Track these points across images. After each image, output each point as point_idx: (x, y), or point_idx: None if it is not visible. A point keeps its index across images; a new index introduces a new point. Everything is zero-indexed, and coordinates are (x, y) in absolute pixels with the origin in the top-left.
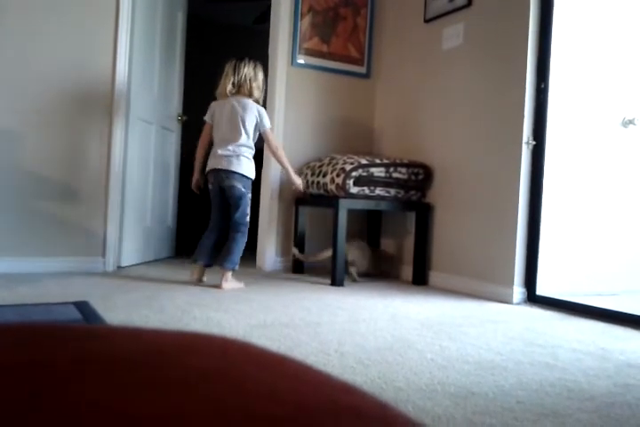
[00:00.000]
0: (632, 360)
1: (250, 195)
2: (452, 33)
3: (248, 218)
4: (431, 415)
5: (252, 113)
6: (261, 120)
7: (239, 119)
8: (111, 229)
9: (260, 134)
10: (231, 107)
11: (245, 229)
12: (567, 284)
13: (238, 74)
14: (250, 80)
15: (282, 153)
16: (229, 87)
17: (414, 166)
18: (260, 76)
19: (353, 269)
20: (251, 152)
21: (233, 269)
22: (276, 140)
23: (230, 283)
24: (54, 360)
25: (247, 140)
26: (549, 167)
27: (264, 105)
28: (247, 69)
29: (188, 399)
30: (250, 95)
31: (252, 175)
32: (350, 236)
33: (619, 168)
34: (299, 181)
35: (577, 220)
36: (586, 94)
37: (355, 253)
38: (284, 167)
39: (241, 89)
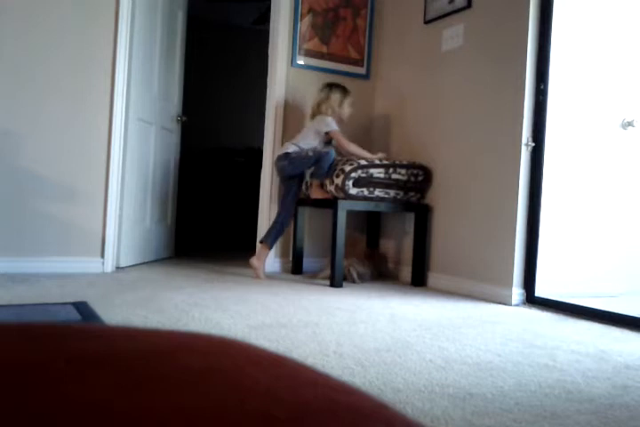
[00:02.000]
0: (630, 362)
1: (285, 186)
2: (452, 34)
3: (282, 204)
4: (430, 417)
5: (316, 122)
6: (322, 126)
7: (305, 129)
8: (110, 229)
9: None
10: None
11: (279, 213)
12: (566, 285)
13: (316, 100)
14: (321, 104)
15: (349, 148)
16: (310, 111)
17: (413, 167)
18: (334, 97)
19: (352, 271)
20: (297, 151)
21: (269, 247)
22: (342, 138)
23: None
24: (54, 360)
25: (298, 141)
26: (548, 169)
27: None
28: (321, 94)
29: (188, 399)
30: (325, 114)
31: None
32: (348, 245)
33: (618, 170)
34: (380, 155)
35: (576, 221)
36: (585, 96)
37: (354, 260)
38: (363, 157)
39: (317, 110)
